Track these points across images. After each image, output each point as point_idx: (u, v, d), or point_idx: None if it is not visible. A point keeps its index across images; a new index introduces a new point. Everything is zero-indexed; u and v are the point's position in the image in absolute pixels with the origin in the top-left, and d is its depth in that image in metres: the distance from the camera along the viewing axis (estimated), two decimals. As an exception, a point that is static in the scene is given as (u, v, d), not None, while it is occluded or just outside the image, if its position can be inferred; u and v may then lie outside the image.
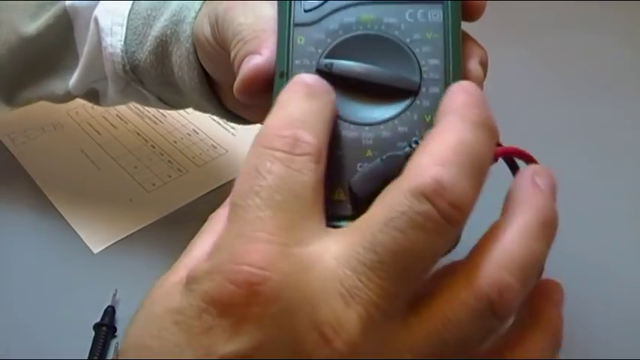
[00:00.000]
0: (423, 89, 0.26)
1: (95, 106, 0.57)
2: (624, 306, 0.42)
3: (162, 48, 0.37)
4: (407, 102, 0.26)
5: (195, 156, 0.53)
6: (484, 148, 0.22)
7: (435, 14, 0.27)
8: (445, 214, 0.20)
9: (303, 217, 0.21)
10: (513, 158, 0.26)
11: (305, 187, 0.22)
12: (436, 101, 0.25)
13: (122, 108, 0.58)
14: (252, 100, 0.29)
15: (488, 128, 0.22)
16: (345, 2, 0.28)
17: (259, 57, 0.28)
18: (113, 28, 0.39)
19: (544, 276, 0.25)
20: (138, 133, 0.56)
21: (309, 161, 0.22)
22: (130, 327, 0.22)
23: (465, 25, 0.28)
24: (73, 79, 0.42)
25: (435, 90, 0.26)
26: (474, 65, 0.28)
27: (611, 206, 0.50)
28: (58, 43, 0.42)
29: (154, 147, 0.54)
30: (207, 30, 0.33)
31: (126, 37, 0.39)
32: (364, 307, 0.20)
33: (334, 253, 0.21)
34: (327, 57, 0.27)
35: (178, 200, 0.49)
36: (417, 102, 0.26)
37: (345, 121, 0.26)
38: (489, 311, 0.20)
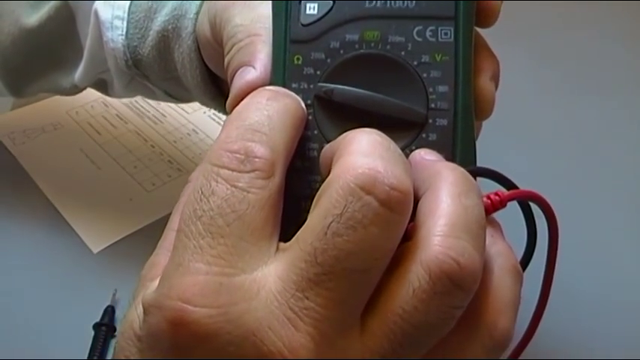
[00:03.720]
0: (430, 121, 0.24)
1: (95, 106, 0.57)
2: (625, 305, 0.42)
3: (164, 43, 0.36)
4: (412, 134, 0.24)
5: (195, 156, 0.53)
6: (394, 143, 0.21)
7: (446, 32, 0.25)
8: (386, 201, 0.19)
9: (249, 240, 0.20)
10: (528, 202, 0.24)
11: (253, 208, 0.20)
12: (443, 134, 0.24)
13: (122, 108, 0.58)
14: None
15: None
16: (346, 16, 0.25)
17: (253, 72, 0.26)
18: (114, 21, 0.38)
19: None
20: (138, 133, 0.56)
21: (257, 177, 0.20)
22: (117, 336, 0.22)
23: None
24: (79, 72, 0.41)
25: (443, 122, 0.24)
26: (485, 82, 0.26)
27: (610, 206, 0.50)
28: (61, 35, 0.41)
29: (153, 147, 0.54)
30: (207, 28, 0.32)
31: (127, 32, 0.37)
32: (315, 327, 0.19)
33: (279, 273, 0.19)
34: (326, 80, 0.25)
35: (178, 200, 0.48)
36: (423, 135, 0.24)
37: None
38: (450, 284, 0.19)
